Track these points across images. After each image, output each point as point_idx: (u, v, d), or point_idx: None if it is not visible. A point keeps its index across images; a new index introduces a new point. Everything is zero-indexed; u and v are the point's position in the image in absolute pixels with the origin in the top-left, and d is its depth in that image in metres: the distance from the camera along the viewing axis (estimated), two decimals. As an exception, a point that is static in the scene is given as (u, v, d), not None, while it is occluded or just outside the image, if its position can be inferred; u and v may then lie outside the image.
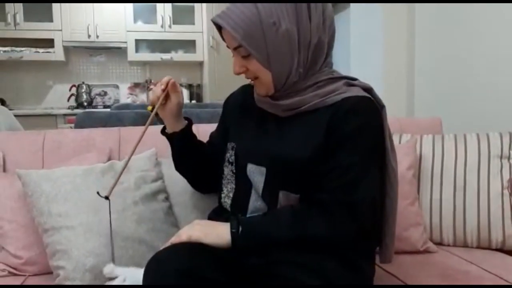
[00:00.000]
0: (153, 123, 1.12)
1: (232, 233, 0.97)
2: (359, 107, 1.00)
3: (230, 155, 1.12)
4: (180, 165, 1.26)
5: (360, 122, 1.00)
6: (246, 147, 1.09)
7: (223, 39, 1.03)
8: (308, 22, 0.98)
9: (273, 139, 1.06)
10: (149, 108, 1.14)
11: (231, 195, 1.12)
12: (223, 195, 1.14)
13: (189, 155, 1.22)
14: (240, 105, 1.18)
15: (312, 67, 1.03)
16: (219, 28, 1.01)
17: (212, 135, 1.30)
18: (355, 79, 1.08)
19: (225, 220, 1.03)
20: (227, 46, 1.04)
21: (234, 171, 1.11)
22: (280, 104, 1.05)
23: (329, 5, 1.03)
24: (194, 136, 1.23)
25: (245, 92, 1.18)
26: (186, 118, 1.21)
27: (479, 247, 1.50)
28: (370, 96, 1.04)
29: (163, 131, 1.21)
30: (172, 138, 1.20)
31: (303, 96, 1.03)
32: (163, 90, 1.12)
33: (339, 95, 1.01)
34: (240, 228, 0.97)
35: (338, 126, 0.99)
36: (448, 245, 1.52)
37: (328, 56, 1.06)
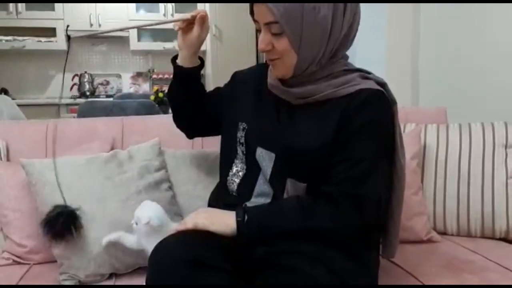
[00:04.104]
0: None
1: (237, 221, 0.97)
2: (372, 100, 1.00)
3: (241, 135, 1.11)
4: (172, 95, 1.25)
5: (373, 116, 1.00)
6: (257, 130, 1.09)
7: (251, 12, 1.02)
8: (342, 15, 0.98)
9: (284, 127, 1.06)
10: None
11: (240, 174, 1.11)
12: (231, 173, 1.13)
13: (185, 92, 1.21)
14: (255, 84, 1.16)
15: (332, 58, 1.02)
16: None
17: (216, 89, 1.29)
18: (369, 73, 1.07)
19: (226, 205, 1.04)
20: (254, 20, 1.01)
21: (244, 152, 1.10)
22: (292, 91, 1.04)
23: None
24: (198, 78, 1.22)
25: (259, 72, 1.16)
26: (200, 59, 1.21)
27: (483, 236, 1.49)
28: (383, 91, 1.03)
29: (173, 60, 1.20)
30: (178, 70, 1.19)
31: (316, 85, 1.02)
32: (192, 17, 1.11)
33: (352, 87, 1.01)
34: (246, 217, 0.98)
35: (351, 118, 0.99)
36: (452, 235, 1.52)
37: (347, 49, 1.06)
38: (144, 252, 1.09)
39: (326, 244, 0.99)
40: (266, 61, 1.10)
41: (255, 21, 1.02)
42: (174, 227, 1.03)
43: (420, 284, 1.17)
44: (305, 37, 0.96)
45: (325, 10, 0.95)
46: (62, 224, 1.16)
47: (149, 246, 1.08)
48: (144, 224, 1.08)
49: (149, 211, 1.10)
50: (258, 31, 1.02)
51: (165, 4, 4.77)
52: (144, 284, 0.92)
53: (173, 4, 4.78)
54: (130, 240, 1.13)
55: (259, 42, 1.02)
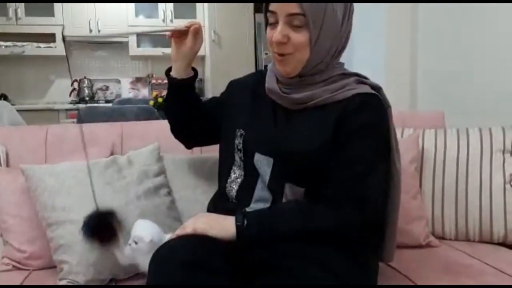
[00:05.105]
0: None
1: (237, 226, 0.98)
2: (368, 104, 1.02)
3: (238, 142, 1.12)
4: (168, 107, 1.27)
5: (369, 119, 1.02)
6: (255, 136, 1.10)
7: (266, 7, 1.02)
8: (347, 20, 1.02)
9: (282, 131, 1.07)
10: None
11: (239, 181, 1.12)
12: (229, 180, 1.14)
13: (180, 103, 1.23)
14: (251, 90, 1.17)
15: (333, 61, 1.05)
16: None
17: (213, 99, 1.31)
18: (366, 77, 1.09)
19: (225, 212, 1.04)
20: (270, 11, 1.01)
21: (242, 158, 1.11)
22: (290, 97, 1.06)
23: None
24: (193, 89, 1.23)
25: (257, 78, 1.17)
26: (193, 69, 1.23)
27: (481, 241, 1.50)
28: (378, 95, 1.05)
29: (167, 72, 1.22)
30: (172, 82, 1.21)
31: (314, 91, 1.04)
32: (186, 27, 1.13)
33: (348, 91, 1.03)
34: (245, 221, 0.98)
35: (347, 121, 1.01)
36: (450, 239, 1.52)
37: (342, 53, 1.08)
38: (137, 268, 1.10)
39: (326, 246, 1.00)
40: (264, 66, 1.11)
41: (270, 12, 1.01)
42: (176, 232, 1.04)
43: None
44: (322, 34, 0.99)
45: (340, 11, 0.99)
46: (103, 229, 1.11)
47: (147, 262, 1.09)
48: (147, 243, 1.08)
49: (149, 229, 1.10)
50: (267, 25, 1.03)
51: (164, 9, 4.79)
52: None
53: (172, 9, 4.79)
54: (121, 253, 1.13)
55: (275, 33, 1.00)
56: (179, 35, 1.15)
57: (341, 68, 1.08)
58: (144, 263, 1.10)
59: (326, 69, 1.05)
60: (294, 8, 0.97)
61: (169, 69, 1.22)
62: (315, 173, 1.02)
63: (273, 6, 1.01)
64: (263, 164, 1.07)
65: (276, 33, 1.00)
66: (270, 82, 1.09)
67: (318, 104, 1.03)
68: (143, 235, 1.09)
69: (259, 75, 1.17)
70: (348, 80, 1.05)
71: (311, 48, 1.00)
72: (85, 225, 1.10)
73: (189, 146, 1.35)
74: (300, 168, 1.03)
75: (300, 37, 0.99)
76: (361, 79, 1.07)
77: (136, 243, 1.10)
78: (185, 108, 1.23)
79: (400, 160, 1.09)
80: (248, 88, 1.18)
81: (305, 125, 1.04)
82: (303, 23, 0.98)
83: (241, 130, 1.12)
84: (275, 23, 1.01)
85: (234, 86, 1.24)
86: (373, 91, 1.04)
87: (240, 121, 1.14)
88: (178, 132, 1.30)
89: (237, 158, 1.12)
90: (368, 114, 1.01)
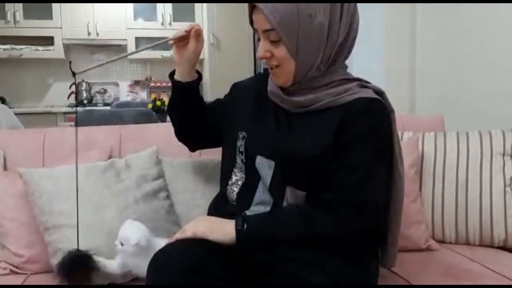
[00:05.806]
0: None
1: (237, 230, 0.97)
2: (370, 108, 1.01)
3: (240, 144, 1.11)
4: (173, 110, 1.27)
5: (371, 123, 1.01)
6: (257, 139, 1.09)
7: (251, 21, 1.04)
8: (339, 21, 0.99)
9: (284, 134, 1.06)
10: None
11: (240, 183, 1.11)
12: (230, 182, 1.13)
13: (185, 106, 1.23)
14: (254, 93, 1.17)
15: (331, 66, 1.04)
16: (252, 7, 1.01)
17: (217, 101, 1.30)
18: (368, 82, 1.09)
19: (226, 215, 1.04)
20: (254, 28, 1.03)
21: (244, 160, 1.11)
22: (292, 100, 1.05)
23: (357, 9, 1.05)
24: (197, 91, 1.23)
25: (259, 81, 1.17)
26: (197, 72, 1.23)
27: (481, 244, 1.49)
28: (381, 99, 1.04)
29: (171, 75, 1.22)
30: (177, 86, 1.21)
31: (316, 94, 1.03)
32: (186, 31, 1.13)
33: (351, 96, 1.02)
34: (245, 226, 0.98)
35: (349, 126, 1.00)
36: (450, 243, 1.52)
37: (346, 58, 1.07)
38: (130, 273, 1.08)
39: (326, 252, 0.99)
40: (264, 69, 1.11)
41: (255, 29, 1.04)
42: (176, 235, 1.03)
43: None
44: (302, 43, 0.98)
45: (321, 17, 0.96)
46: (78, 271, 1.11)
47: (136, 266, 1.08)
48: (132, 245, 1.07)
49: (136, 232, 1.09)
50: (259, 40, 1.04)
51: (163, 12, 4.79)
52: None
53: (171, 12, 4.80)
54: (112, 266, 1.13)
55: (258, 49, 1.03)
56: (181, 39, 1.14)
57: (343, 73, 1.07)
58: (132, 265, 1.09)
59: (324, 74, 1.04)
60: (265, 24, 0.98)
61: (173, 72, 1.21)
62: (316, 177, 1.01)
63: (254, 24, 1.03)
64: (265, 166, 1.06)
65: (259, 49, 1.02)
66: (272, 85, 1.09)
67: (320, 108, 1.03)
68: (130, 237, 1.08)
69: (262, 78, 1.16)
70: (350, 84, 1.05)
71: (294, 58, 1.00)
72: (60, 266, 1.10)
73: (193, 148, 1.35)
74: (301, 172, 1.02)
75: (279, 51, 1.00)
76: (363, 83, 1.07)
77: (122, 244, 1.10)
78: (189, 111, 1.23)
79: (403, 165, 1.09)
80: (251, 91, 1.18)
81: (307, 128, 1.04)
82: (278, 38, 0.98)
83: (243, 132, 1.12)
84: (260, 39, 1.03)
85: (237, 88, 1.24)
86: (376, 96, 1.04)
87: (243, 123, 1.13)
88: (183, 135, 1.30)
89: (238, 160, 1.12)
90: (370, 118, 1.01)
